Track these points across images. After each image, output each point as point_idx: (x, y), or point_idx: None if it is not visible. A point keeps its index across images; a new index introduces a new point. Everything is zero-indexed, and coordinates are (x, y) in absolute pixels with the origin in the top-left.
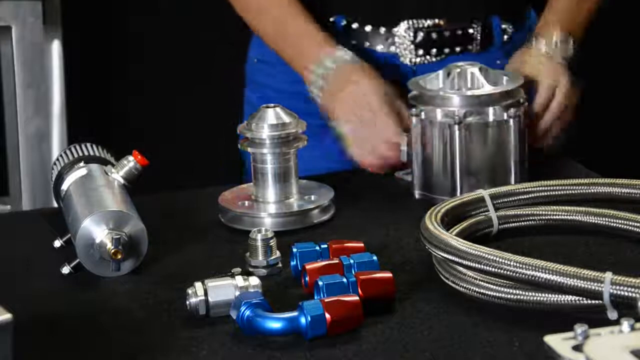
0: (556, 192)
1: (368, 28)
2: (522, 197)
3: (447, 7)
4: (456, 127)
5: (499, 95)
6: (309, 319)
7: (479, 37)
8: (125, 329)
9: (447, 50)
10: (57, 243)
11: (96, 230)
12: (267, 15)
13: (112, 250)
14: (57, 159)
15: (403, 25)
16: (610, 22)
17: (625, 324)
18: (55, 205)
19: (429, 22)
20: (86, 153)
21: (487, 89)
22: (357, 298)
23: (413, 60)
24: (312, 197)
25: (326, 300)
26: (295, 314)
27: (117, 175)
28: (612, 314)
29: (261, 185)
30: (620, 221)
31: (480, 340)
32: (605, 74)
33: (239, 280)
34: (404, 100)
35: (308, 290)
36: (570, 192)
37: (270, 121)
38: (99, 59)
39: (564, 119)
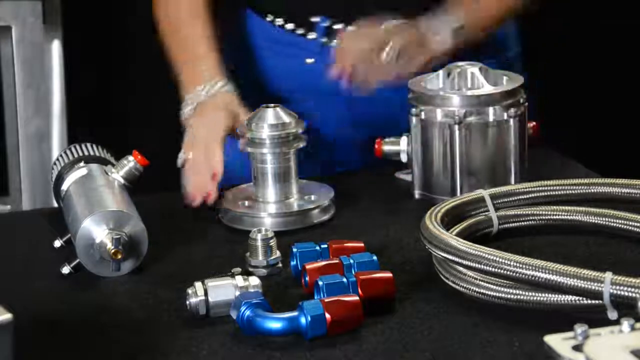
0: (556, 192)
1: (351, 29)
2: (522, 197)
3: (429, 6)
4: (456, 127)
5: (499, 95)
6: (309, 319)
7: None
8: (125, 329)
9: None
10: (57, 243)
11: (96, 230)
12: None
13: (112, 250)
14: (57, 159)
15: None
16: (610, 22)
17: (625, 324)
18: (55, 205)
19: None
20: (86, 153)
21: (487, 89)
22: (357, 298)
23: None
24: (312, 197)
25: (326, 300)
26: (295, 314)
27: (117, 175)
28: (612, 314)
29: (261, 185)
30: (620, 221)
31: (480, 340)
32: (605, 74)
33: (239, 280)
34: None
35: (308, 290)
36: (570, 192)
37: (270, 121)
38: (99, 59)
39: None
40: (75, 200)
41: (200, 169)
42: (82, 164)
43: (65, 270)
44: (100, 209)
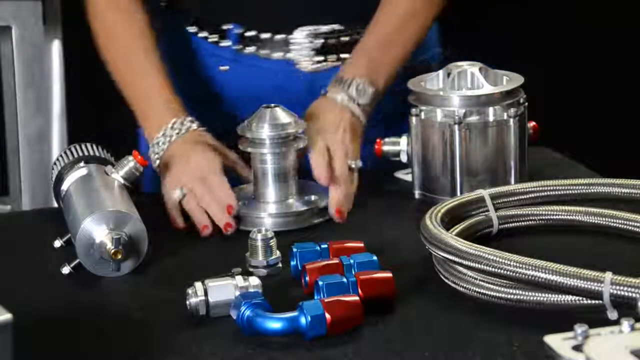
0: (556, 192)
1: (264, 35)
2: (522, 197)
3: (343, 13)
4: (456, 127)
5: (499, 95)
6: (309, 319)
7: None
8: (125, 329)
9: (344, 56)
10: (57, 243)
11: (96, 230)
12: (115, 44)
13: (112, 250)
14: (57, 159)
15: (300, 32)
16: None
17: (625, 324)
18: (55, 205)
19: (325, 28)
20: (86, 153)
21: (487, 89)
22: (357, 298)
23: (310, 67)
24: (312, 198)
25: (326, 300)
26: (295, 314)
27: (117, 175)
28: (612, 314)
29: (261, 185)
30: (620, 221)
31: (481, 340)
32: (605, 74)
33: (239, 280)
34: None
35: (308, 290)
36: (570, 192)
37: (270, 121)
38: (99, 59)
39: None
40: (75, 201)
41: (208, 202)
42: (82, 164)
43: (65, 270)
44: (100, 209)
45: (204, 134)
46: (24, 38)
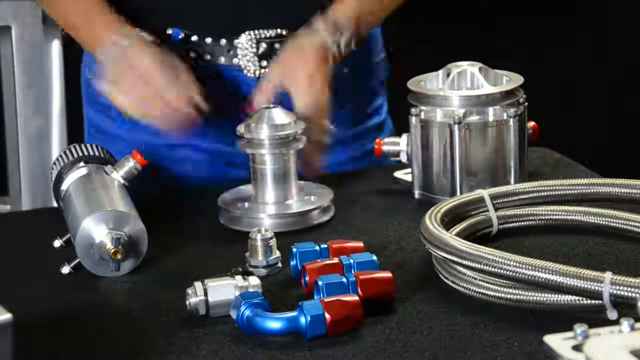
0: (556, 192)
1: (209, 40)
2: (522, 197)
3: (288, 17)
4: (456, 127)
5: (499, 95)
6: (309, 318)
7: None
8: (125, 329)
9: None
10: (57, 243)
11: (96, 230)
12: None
13: (112, 250)
14: (57, 159)
15: (245, 36)
16: (610, 22)
17: (625, 324)
18: (55, 205)
19: (271, 33)
20: (86, 153)
21: (487, 89)
22: (357, 298)
23: (256, 72)
24: (312, 198)
25: (326, 300)
26: (295, 314)
27: (117, 175)
28: (612, 314)
29: (260, 186)
30: (620, 221)
31: (480, 340)
32: (605, 74)
33: (239, 280)
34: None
35: (308, 290)
36: (570, 192)
37: (269, 122)
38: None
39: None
40: (75, 200)
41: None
42: (82, 164)
43: (65, 270)
44: (100, 209)
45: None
46: (24, 38)
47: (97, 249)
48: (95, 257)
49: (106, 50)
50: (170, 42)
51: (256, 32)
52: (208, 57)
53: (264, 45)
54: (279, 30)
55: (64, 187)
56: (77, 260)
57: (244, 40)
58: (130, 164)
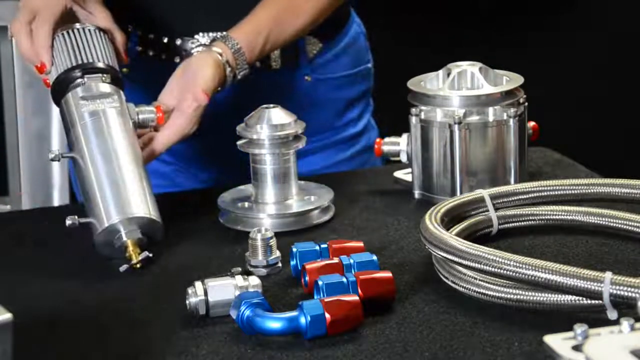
0: (556, 192)
1: (165, 39)
2: (522, 197)
3: (242, 18)
4: (456, 127)
5: (499, 95)
6: (309, 318)
7: (277, 53)
8: (125, 329)
9: (246, 66)
10: (69, 221)
11: (124, 231)
12: None
13: (135, 261)
14: (55, 39)
15: (200, 37)
16: (610, 22)
17: (625, 324)
18: (55, 204)
19: (224, 34)
20: (88, 58)
21: (487, 89)
22: (357, 298)
23: None
24: (312, 198)
25: (326, 300)
26: (295, 313)
27: (136, 117)
28: (612, 314)
29: (260, 186)
30: (620, 221)
31: (480, 340)
32: (604, 74)
33: (239, 280)
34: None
35: (308, 290)
36: (570, 192)
37: (269, 122)
38: None
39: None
40: (92, 169)
41: (24, 51)
42: (84, 79)
43: (69, 221)
44: (134, 212)
45: None
46: None
47: (118, 243)
48: (111, 244)
49: None
50: (130, 39)
51: (211, 33)
52: (164, 56)
53: None
54: None
55: (69, 108)
56: (89, 220)
57: (199, 41)
58: (151, 116)
